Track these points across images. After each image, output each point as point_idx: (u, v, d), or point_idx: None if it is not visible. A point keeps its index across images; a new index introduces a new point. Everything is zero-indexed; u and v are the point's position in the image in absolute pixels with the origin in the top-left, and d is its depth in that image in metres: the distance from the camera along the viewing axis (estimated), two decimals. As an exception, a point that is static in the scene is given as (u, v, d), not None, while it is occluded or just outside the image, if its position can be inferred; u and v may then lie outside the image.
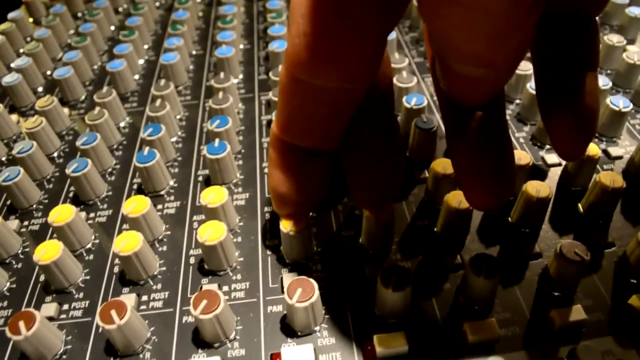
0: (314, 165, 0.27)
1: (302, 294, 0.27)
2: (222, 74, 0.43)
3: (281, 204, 0.30)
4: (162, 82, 0.43)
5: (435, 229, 0.33)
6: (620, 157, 0.38)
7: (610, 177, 0.32)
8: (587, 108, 0.26)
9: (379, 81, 0.26)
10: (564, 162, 0.36)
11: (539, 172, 0.37)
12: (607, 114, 0.38)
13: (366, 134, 0.26)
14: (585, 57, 0.26)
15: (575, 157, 0.33)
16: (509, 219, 0.33)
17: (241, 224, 0.35)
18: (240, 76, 0.48)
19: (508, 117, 0.41)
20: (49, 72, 0.51)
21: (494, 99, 0.24)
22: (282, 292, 0.30)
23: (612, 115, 0.37)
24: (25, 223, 0.37)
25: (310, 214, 0.34)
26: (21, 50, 0.53)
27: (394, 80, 0.40)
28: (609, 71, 0.45)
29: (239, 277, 0.32)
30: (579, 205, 0.34)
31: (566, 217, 0.33)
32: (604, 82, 0.40)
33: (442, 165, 0.33)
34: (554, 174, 0.36)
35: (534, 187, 0.31)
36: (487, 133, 0.24)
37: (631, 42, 0.48)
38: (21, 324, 0.27)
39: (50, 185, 0.39)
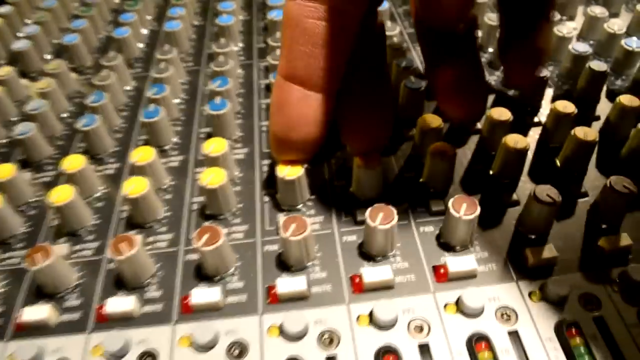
0: (313, 107, 0.30)
1: (296, 228, 0.29)
2: (222, 40, 0.46)
3: (280, 148, 0.32)
4: (166, 46, 0.45)
5: (421, 179, 0.35)
6: (598, 118, 0.40)
7: (583, 131, 0.34)
8: (538, 47, 0.33)
9: (371, 27, 0.29)
10: (543, 120, 0.39)
11: (520, 130, 0.39)
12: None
13: (359, 80, 0.29)
14: (541, 6, 0.32)
15: (523, 86, 0.39)
16: (490, 171, 0.36)
17: (241, 174, 0.37)
18: (240, 44, 0.50)
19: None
20: (56, 41, 0.53)
21: (467, 29, 0.28)
22: (278, 233, 0.33)
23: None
24: (38, 175, 0.39)
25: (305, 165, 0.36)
26: (30, 21, 0.55)
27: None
28: (591, 42, 0.47)
29: (238, 220, 0.34)
30: (556, 160, 0.36)
31: (544, 171, 0.36)
32: (583, 48, 0.42)
33: (428, 120, 0.35)
34: (535, 132, 0.39)
35: (512, 139, 0.34)
36: (461, 56, 0.28)
37: (614, 15, 0.51)
38: (37, 256, 0.30)
39: (61, 142, 0.41)
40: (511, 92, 0.42)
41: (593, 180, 0.35)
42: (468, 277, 0.30)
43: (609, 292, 0.29)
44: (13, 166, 0.36)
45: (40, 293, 0.31)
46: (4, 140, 0.42)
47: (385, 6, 0.50)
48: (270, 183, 0.36)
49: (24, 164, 0.40)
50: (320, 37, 0.27)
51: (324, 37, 0.27)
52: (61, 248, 0.33)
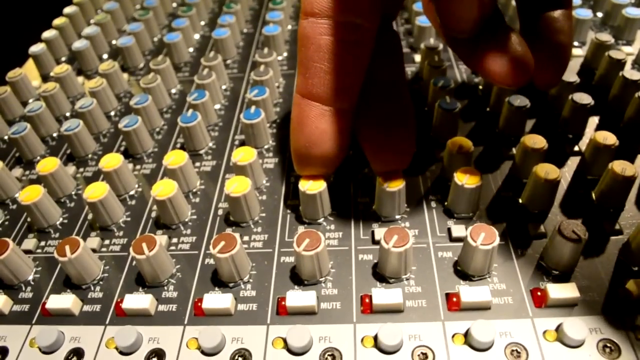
0: (332, 123, 0.30)
1: (309, 243, 0.30)
2: (265, 49, 0.46)
3: (302, 163, 0.32)
4: (212, 54, 0.47)
5: (446, 204, 0.35)
6: (644, 152, 0.38)
7: (621, 165, 0.33)
8: (560, 44, 0.32)
9: (386, 41, 0.29)
10: (582, 149, 0.37)
11: (558, 158, 0.37)
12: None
13: (376, 96, 0.29)
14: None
15: (549, 87, 0.37)
16: (519, 200, 0.35)
17: (267, 184, 0.38)
18: (285, 54, 0.51)
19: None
20: (114, 42, 0.56)
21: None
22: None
23: None
24: (81, 170, 0.41)
25: (330, 178, 0.37)
26: (92, 21, 0.58)
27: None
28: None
29: (259, 229, 0.35)
30: (592, 193, 0.35)
31: (578, 204, 0.34)
32: (636, 76, 0.40)
33: (458, 143, 0.35)
34: (574, 162, 0.37)
35: (543, 169, 0.32)
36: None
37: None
38: (67, 248, 0.31)
39: (105, 140, 0.44)
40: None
41: (630, 217, 0.33)
42: (481, 308, 0.29)
43: (631, 340, 0.27)
44: (57, 160, 0.38)
45: (69, 282, 0.33)
46: (55, 135, 0.45)
47: (429, 23, 0.50)
48: (296, 195, 0.36)
49: (70, 158, 0.42)
50: (335, 54, 0.27)
51: (339, 53, 0.27)
52: (92, 242, 0.35)
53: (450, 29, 0.29)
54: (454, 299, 0.30)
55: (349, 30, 0.27)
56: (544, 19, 0.33)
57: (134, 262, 0.34)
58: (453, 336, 0.28)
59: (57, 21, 0.56)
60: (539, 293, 0.30)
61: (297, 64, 0.29)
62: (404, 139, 0.31)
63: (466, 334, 0.28)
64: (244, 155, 0.36)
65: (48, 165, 0.38)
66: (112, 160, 0.37)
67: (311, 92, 0.29)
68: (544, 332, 0.28)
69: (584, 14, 0.48)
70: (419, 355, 0.27)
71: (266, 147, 0.40)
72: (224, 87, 0.47)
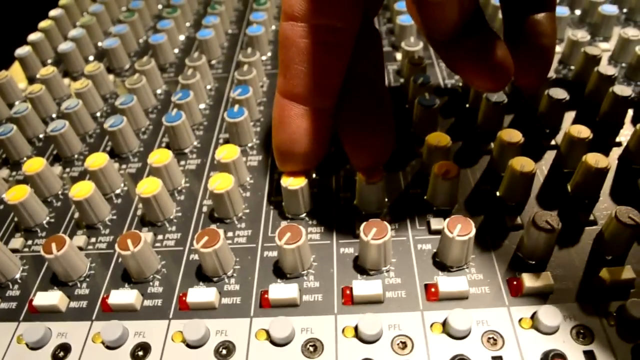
0: (312, 122, 0.30)
1: (291, 237, 0.30)
2: (249, 49, 0.47)
3: (283, 161, 0.33)
4: (196, 54, 0.47)
5: (425, 197, 0.36)
6: (619, 144, 0.39)
7: (595, 158, 0.33)
8: (543, 47, 0.32)
9: (367, 39, 0.30)
10: (558, 143, 0.38)
11: (535, 152, 0.38)
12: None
13: (356, 93, 0.30)
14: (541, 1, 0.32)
15: (532, 89, 0.38)
16: (497, 193, 0.36)
17: (251, 181, 0.38)
18: (269, 54, 0.52)
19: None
20: (99, 44, 0.57)
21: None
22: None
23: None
24: (67, 170, 0.42)
25: (314, 175, 0.37)
26: (77, 23, 0.59)
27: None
28: (623, 64, 0.46)
29: (242, 225, 0.35)
30: (568, 185, 0.36)
31: (554, 196, 0.35)
32: (610, 71, 0.41)
33: (436, 138, 0.36)
34: (551, 155, 0.38)
35: (519, 162, 0.33)
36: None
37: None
38: (53, 245, 0.32)
39: (91, 140, 0.44)
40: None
41: (604, 209, 0.34)
42: (459, 297, 0.30)
43: (604, 326, 0.28)
44: (43, 160, 0.38)
45: (55, 280, 0.33)
46: (42, 136, 0.45)
47: (411, 22, 0.50)
48: (279, 191, 0.37)
49: (56, 159, 0.43)
50: (314, 55, 0.28)
51: (319, 55, 0.28)
52: (78, 240, 0.35)
53: (431, 30, 0.30)
54: (433, 290, 0.30)
55: (328, 32, 0.28)
56: (528, 21, 0.33)
57: (120, 259, 0.34)
58: (431, 325, 0.29)
59: (43, 24, 0.56)
60: (515, 282, 0.30)
61: (279, 65, 0.30)
62: (382, 135, 0.31)
63: (444, 323, 0.29)
64: (227, 152, 0.36)
65: (34, 165, 0.38)
66: (98, 160, 0.38)
67: (292, 92, 0.30)
68: (520, 320, 0.29)
69: (562, 11, 0.49)
70: (398, 344, 0.28)
71: (250, 145, 0.41)
72: (208, 87, 0.48)
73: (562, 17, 0.49)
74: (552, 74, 0.41)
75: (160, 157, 0.37)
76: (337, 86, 0.30)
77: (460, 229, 0.30)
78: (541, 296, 0.30)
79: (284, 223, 0.35)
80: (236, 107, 0.40)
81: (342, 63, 0.29)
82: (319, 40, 0.28)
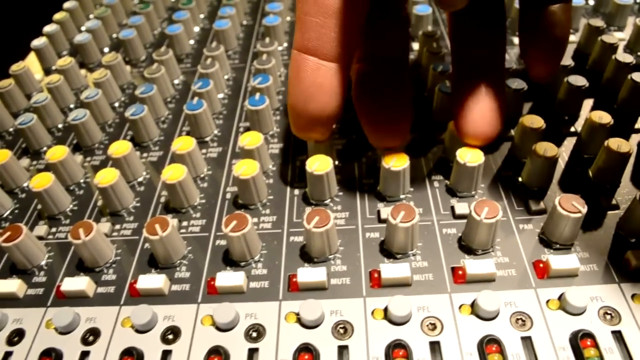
0: (328, 78, 0.30)
1: (319, 221, 0.30)
2: (267, 39, 0.47)
3: (298, 121, 0.33)
4: (214, 44, 0.48)
5: (448, 183, 0.36)
6: (638, 130, 0.39)
7: (617, 142, 0.34)
8: (558, 38, 0.33)
9: (397, 21, 0.31)
10: (578, 130, 0.38)
11: (555, 139, 0.38)
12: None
13: (378, 73, 0.30)
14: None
15: (545, 79, 0.37)
16: (519, 178, 0.36)
17: (274, 168, 0.39)
18: (285, 44, 0.52)
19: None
20: (114, 35, 0.57)
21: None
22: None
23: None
24: (88, 159, 0.42)
25: (336, 162, 0.38)
26: (91, 15, 0.59)
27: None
28: (639, 53, 0.46)
29: (267, 211, 0.35)
30: (589, 171, 0.36)
31: (576, 182, 0.36)
32: (628, 58, 0.41)
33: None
34: (571, 142, 0.39)
35: (542, 147, 0.34)
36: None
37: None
38: (81, 231, 0.32)
39: (111, 129, 0.44)
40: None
41: (626, 193, 0.35)
42: (486, 280, 0.30)
43: (630, 307, 0.28)
44: (66, 148, 0.39)
45: (81, 266, 0.34)
46: (60, 125, 0.45)
47: (428, 11, 0.51)
48: (302, 178, 0.37)
49: (76, 148, 0.43)
50: (330, 8, 0.28)
51: (334, 7, 0.28)
52: (103, 227, 0.36)
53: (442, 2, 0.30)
54: (460, 272, 0.31)
55: None
56: (545, 12, 0.33)
57: (146, 245, 0.34)
58: (460, 307, 0.29)
59: (58, 15, 0.56)
60: (541, 265, 0.31)
61: (295, 21, 0.30)
62: (400, 113, 0.32)
63: (473, 305, 0.29)
64: (251, 139, 0.36)
65: (57, 153, 0.38)
66: (121, 147, 0.38)
67: (307, 47, 0.30)
68: (547, 301, 0.29)
69: (577, 1, 0.49)
70: (427, 325, 0.28)
71: (271, 133, 0.41)
72: (226, 76, 0.48)
73: (578, 7, 0.49)
74: (570, 61, 0.42)
75: (184, 144, 0.37)
76: (354, 41, 0.30)
77: (488, 212, 0.30)
78: (567, 278, 0.30)
79: (308, 209, 0.35)
80: (257, 95, 0.40)
81: (358, 17, 0.29)
82: None
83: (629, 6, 0.49)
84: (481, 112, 0.32)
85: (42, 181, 0.36)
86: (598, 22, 0.46)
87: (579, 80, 0.39)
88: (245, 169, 0.34)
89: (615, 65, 0.41)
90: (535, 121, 0.36)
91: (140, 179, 0.39)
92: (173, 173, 0.35)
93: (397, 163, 0.33)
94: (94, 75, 0.46)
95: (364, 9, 0.30)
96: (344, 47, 0.30)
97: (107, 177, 0.35)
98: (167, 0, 0.61)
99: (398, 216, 0.30)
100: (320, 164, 0.34)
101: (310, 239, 0.31)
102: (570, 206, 0.30)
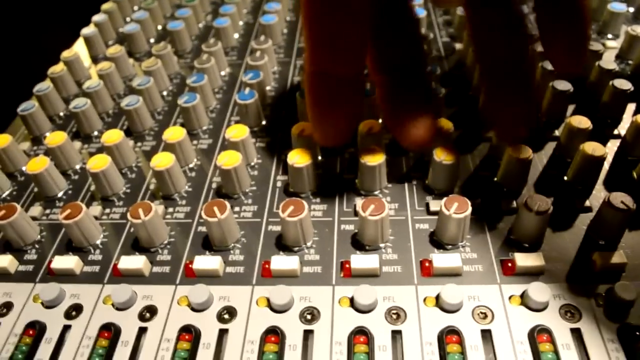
0: (345, 93, 0.32)
1: (374, 209, 0.31)
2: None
3: (321, 135, 0.34)
4: (262, 37, 0.49)
5: (495, 179, 0.37)
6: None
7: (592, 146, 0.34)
8: (579, 32, 0.32)
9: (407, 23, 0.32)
10: (622, 133, 0.39)
11: (599, 141, 0.39)
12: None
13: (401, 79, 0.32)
14: None
15: (572, 74, 0.38)
16: (565, 177, 0.37)
17: (323, 159, 0.40)
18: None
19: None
20: (160, 27, 0.58)
21: None
22: (355, 215, 0.35)
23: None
24: (139, 144, 0.43)
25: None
26: (135, 7, 0.60)
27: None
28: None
29: (318, 200, 0.36)
30: (633, 172, 0.37)
31: (620, 183, 0.36)
32: None
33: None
34: (614, 144, 0.39)
35: (590, 146, 0.34)
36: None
37: None
38: (140, 210, 0.33)
39: (160, 117, 0.46)
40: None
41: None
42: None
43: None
44: (120, 132, 0.40)
45: (137, 246, 0.35)
46: (111, 111, 0.47)
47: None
48: (351, 169, 0.38)
49: (127, 133, 0.44)
50: (335, 24, 0.29)
51: (339, 23, 0.29)
52: (158, 208, 0.37)
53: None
54: (509, 265, 0.31)
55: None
56: (560, 9, 0.33)
57: (199, 228, 0.35)
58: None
59: (106, 6, 0.58)
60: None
61: (304, 42, 0.31)
62: (420, 114, 0.33)
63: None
64: (304, 129, 0.37)
65: (113, 136, 0.39)
66: (176, 133, 0.39)
67: (320, 62, 0.31)
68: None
69: (618, 7, 0.50)
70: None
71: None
72: (272, 70, 0.49)
73: (619, 14, 0.50)
74: (614, 65, 0.42)
75: (238, 132, 0.38)
76: (364, 52, 0.31)
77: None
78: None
79: (357, 198, 0.36)
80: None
81: (364, 27, 0.30)
82: (338, 6, 0.29)
83: (672, 14, 0.50)
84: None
85: (100, 163, 0.37)
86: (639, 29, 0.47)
87: (624, 84, 0.40)
88: (299, 158, 0.35)
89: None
90: (583, 122, 0.37)
91: (191, 165, 0.40)
92: (229, 159, 0.36)
93: (447, 158, 0.34)
94: (145, 64, 0.47)
95: (368, 18, 0.30)
96: (355, 59, 0.31)
97: (164, 161, 0.36)
98: (209, -6, 0.62)
99: (451, 207, 0.31)
100: (373, 157, 0.35)
101: (364, 227, 0.32)
102: (620, 203, 0.31)
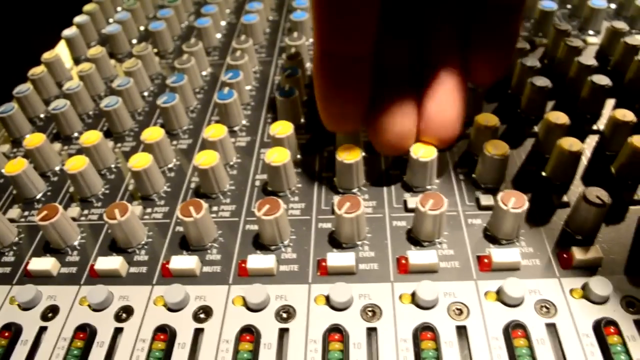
0: (351, 72, 0.32)
1: (350, 207, 0.31)
2: (295, 34, 0.48)
3: (330, 117, 0.34)
4: (243, 37, 0.49)
5: (473, 175, 0.37)
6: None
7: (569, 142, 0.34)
8: (505, 45, 0.33)
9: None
10: (599, 128, 0.39)
11: (577, 137, 0.39)
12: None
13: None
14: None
15: (486, 85, 0.38)
16: (543, 172, 0.37)
17: (301, 158, 0.39)
18: (311, 39, 0.53)
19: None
20: (142, 28, 0.58)
21: None
22: (333, 213, 0.35)
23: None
24: (119, 145, 0.43)
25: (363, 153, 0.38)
26: (119, 8, 0.60)
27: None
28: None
29: (296, 198, 0.36)
30: (611, 167, 0.37)
31: (598, 178, 0.36)
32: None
33: (485, 118, 0.37)
34: (592, 140, 0.39)
35: (567, 142, 0.34)
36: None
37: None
38: (116, 211, 0.33)
39: (141, 117, 0.45)
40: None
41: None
42: (511, 268, 0.31)
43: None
44: (99, 133, 0.40)
45: (114, 247, 0.35)
46: (91, 112, 0.47)
47: None
48: (329, 167, 0.38)
49: (107, 134, 0.44)
50: (345, 5, 0.29)
51: (355, 7, 0.29)
52: (135, 210, 0.36)
53: None
54: (485, 261, 0.31)
55: None
56: (492, 23, 0.33)
57: (177, 228, 0.35)
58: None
59: (88, 7, 0.57)
60: (565, 255, 0.31)
61: (313, 24, 0.31)
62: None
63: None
64: (281, 129, 0.37)
65: (91, 137, 0.39)
66: (154, 134, 0.39)
67: (330, 43, 0.31)
68: (571, 290, 0.30)
69: (599, 3, 0.50)
70: (454, 310, 0.29)
71: (298, 123, 0.42)
72: (253, 69, 0.49)
73: (600, 9, 0.50)
74: (593, 61, 0.42)
75: (216, 131, 0.38)
76: (372, 32, 0.31)
77: (515, 202, 0.31)
78: (590, 269, 0.31)
79: (335, 197, 0.36)
80: (287, 87, 0.41)
81: (374, 8, 0.30)
82: None
83: (651, 10, 0.50)
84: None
85: (77, 164, 0.37)
86: (620, 25, 0.47)
87: (602, 80, 0.40)
88: (276, 156, 0.35)
89: (639, 66, 0.42)
90: (560, 117, 0.37)
91: (170, 165, 0.40)
92: (206, 159, 0.36)
93: (425, 154, 0.34)
94: (125, 65, 0.47)
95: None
96: (364, 39, 0.31)
97: (141, 161, 0.36)
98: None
99: (427, 204, 0.31)
100: (350, 154, 0.35)
101: (340, 225, 0.32)
102: (595, 198, 0.31)
